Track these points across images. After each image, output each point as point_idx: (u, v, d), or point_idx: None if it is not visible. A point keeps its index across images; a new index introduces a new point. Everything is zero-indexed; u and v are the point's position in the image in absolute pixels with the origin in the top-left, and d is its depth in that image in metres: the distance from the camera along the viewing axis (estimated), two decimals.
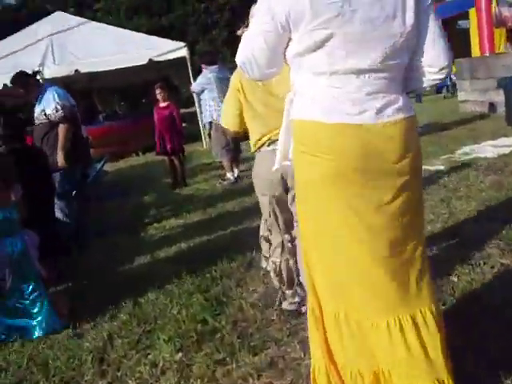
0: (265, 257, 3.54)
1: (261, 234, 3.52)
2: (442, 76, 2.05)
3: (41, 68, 11.90)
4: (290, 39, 1.97)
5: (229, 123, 3.25)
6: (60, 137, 5.20)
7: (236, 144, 7.87)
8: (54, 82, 7.40)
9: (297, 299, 3.32)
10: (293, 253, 3.24)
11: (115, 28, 14.49)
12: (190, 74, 12.85)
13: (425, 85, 2.11)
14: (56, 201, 5.30)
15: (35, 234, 4.13)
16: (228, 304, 3.63)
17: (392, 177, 1.97)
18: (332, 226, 2.00)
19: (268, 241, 3.39)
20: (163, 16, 33.22)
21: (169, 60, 13.01)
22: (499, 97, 10.25)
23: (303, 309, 3.18)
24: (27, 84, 5.36)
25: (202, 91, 7.61)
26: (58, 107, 5.18)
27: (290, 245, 3.23)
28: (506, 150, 6.97)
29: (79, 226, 5.55)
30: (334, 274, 2.06)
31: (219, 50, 30.38)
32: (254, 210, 5.53)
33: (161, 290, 4.08)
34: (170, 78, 16.17)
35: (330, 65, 1.91)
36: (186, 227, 5.92)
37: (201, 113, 12.57)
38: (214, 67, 7.62)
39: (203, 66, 7.76)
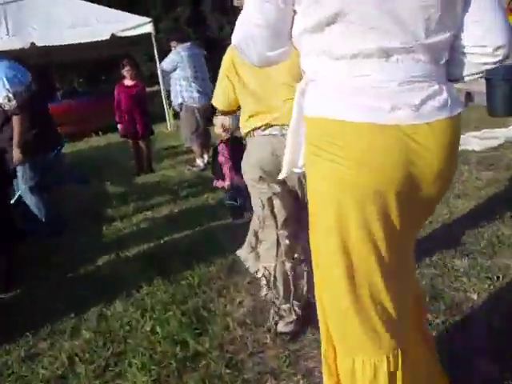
0: (252, 248, 3.01)
1: (251, 228, 3.02)
2: (497, 59, 1.53)
3: None
4: (294, 13, 1.52)
5: (218, 101, 2.90)
6: (15, 132, 4.55)
7: (206, 128, 7.30)
8: (7, 54, 6.64)
9: (294, 317, 2.84)
10: (290, 253, 2.75)
11: None
12: (155, 51, 12.16)
13: (468, 72, 1.60)
14: (29, 196, 4.78)
15: None
16: (211, 321, 3.12)
17: (425, 192, 1.58)
18: (348, 245, 1.55)
19: (257, 238, 2.90)
20: None
21: (132, 36, 12.26)
22: (478, 86, 9.90)
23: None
24: None
25: (174, 70, 6.97)
26: (10, 96, 4.47)
27: (287, 241, 2.72)
28: (493, 143, 6.60)
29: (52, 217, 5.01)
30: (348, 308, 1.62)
31: (182, 28, 29.44)
32: None
33: (129, 299, 3.54)
34: (130, 54, 15.32)
35: (349, 45, 1.44)
36: (155, 221, 5.34)
37: (166, 92, 11.99)
38: (187, 45, 6.98)
39: (173, 43, 7.11)
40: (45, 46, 11.38)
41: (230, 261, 3.92)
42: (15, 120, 4.53)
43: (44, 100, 5.30)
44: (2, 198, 4.20)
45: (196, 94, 6.86)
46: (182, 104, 7.03)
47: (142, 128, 7.46)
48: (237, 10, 2.15)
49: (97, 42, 11.89)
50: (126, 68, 7.34)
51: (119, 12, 13.00)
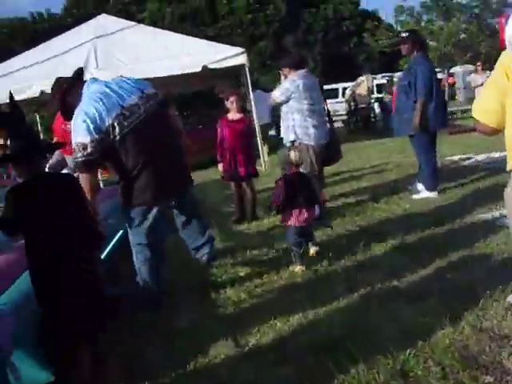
0: None
1: None
2: None
3: None
4: None
5: (485, 115, 2.38)
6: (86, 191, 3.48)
7: (320, 170, 6.11)
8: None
9: None
10: None
11: (165, 31, 13.01)
12: (249, 84, 11.35)
13: None
14: (135, 253, 3.93)
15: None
16: None
17: None
18: None
19: None
20: (210, 26, 32.00)
21: (223, 68, 11.44)
22: None
23: None
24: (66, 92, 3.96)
25: (287, 101, 5.88)
26: (75, 148, 3.58)
27: None
28: None
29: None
30: None
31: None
32: (369, 265, 3.92)
33: None
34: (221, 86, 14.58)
35: None
36: (274, 289, 4.18)
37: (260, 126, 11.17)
38: (302, 72, 5.85)
39: (286, 70, 5.99)
40: None
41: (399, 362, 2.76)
42: (81, 179, 3.59)
43: (162, 132, 4.01)
44: (90, 264, 3.15)
45: (312, 130, 5.74)
46: (294, 141, 5.89)
47: (247, 168, 6.47)
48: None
49: (185, 75, 11.19)
50: (231, 99, 6.37)
51: (210, 43, 12.33)
